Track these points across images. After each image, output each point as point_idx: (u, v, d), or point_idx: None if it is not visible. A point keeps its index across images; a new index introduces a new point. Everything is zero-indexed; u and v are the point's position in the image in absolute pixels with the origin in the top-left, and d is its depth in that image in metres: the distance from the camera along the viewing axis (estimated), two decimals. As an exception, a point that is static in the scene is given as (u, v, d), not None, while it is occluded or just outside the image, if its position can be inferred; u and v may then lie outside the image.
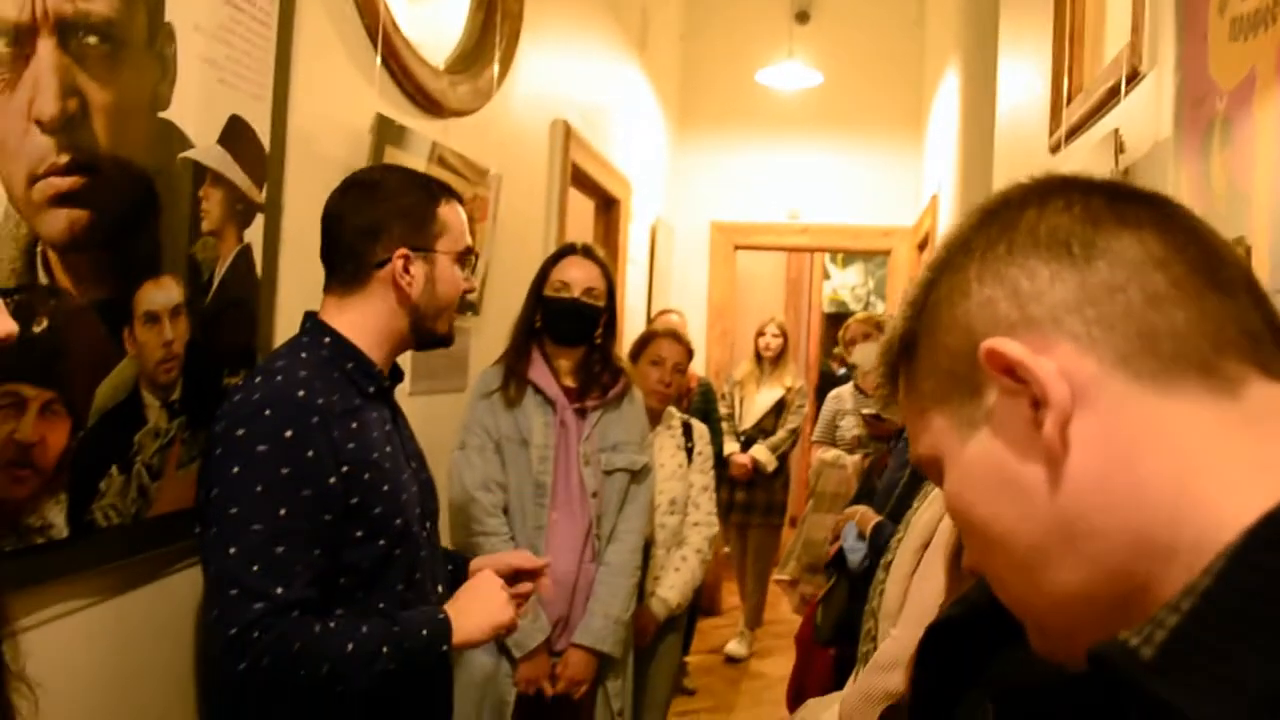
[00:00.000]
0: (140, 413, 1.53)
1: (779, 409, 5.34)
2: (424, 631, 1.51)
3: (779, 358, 5.46)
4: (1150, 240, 0.55)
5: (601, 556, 2.55)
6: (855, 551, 2.53)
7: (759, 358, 5.52)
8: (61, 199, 1.34)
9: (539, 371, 2.54)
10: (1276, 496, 0.47)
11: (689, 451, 3.28)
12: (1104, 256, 0.54)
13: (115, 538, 1.49)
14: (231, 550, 1.40)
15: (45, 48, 1.29)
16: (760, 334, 5.54)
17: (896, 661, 1.59)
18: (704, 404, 4.87)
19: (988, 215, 0.60)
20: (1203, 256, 0.55)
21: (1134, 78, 1.89)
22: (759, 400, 5.36)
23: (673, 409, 3.35)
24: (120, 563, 1.52)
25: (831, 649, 2.74)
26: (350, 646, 1.43)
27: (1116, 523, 0.52)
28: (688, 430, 3.31)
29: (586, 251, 2.62)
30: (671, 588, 3.06)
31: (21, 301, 1.28)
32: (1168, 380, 0.52)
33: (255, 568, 1.40)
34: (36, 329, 1.31)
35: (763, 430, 5.30)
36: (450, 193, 1.69)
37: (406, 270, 1.59)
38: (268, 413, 1.45)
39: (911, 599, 1.71)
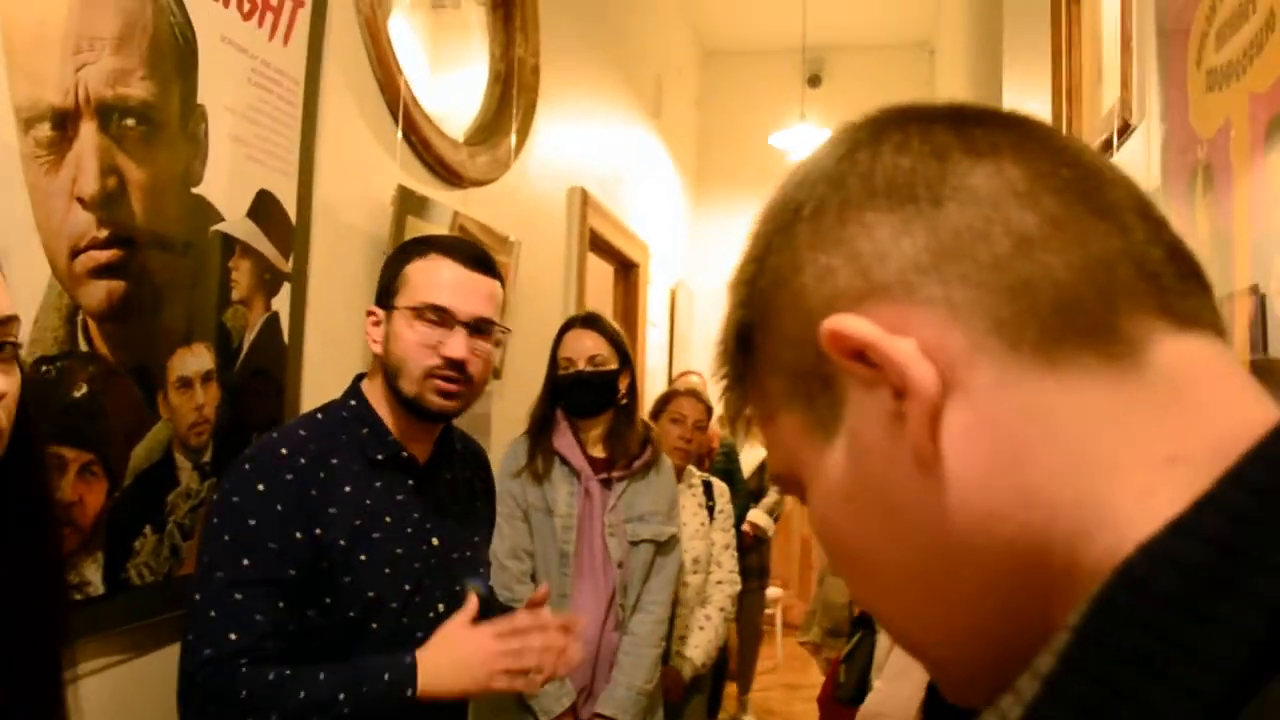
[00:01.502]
0: (173, 474, 1.60)
1: (762, 469, 5.16)
2: (386, 676, 1.44)
3: None
4: (1009, 168, 0.44)
5: (625, 626, 2.57)
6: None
7: None
8: (101, 271, 1.42)
9: (565, 442, 2.58)
10: (1188, 496, 0.36)
11: (710, 510, 3.31)
12: (955, 197, 0.44)
13: (149, 595, 1.55)
14: (196, 597, 1.42)
15: (87, 130, 1.38)
16: None
17: (878, 713, 1.58)
18: (726, 463, 4.88)
19: (810, 168, 0.49)
20: (1077, 179, 0.44)
21: (1125, 130, 1.95)
22: (743, 461, 5.15)
23: (693, 468, 3.39)
24: (153, 619, 1.57)
25: (855, 708, 2.73)
26: (302, 694, 1.39)
27: (1004, 540, 0.41)
28: (708, 489, 3.34)
29: (586, 322, 2.65)
30: (696, 647, 3.07)
31: (64, 368, 1.35)
32: (1053, 351, 0.41)
33: (212, 613, 1.40)
34: (77, 394, 1.38)
35: (749, 492, 5.08)
36: (439, 249, 1.61)
37: (375, 328, 1.60)
38: (247, 467, 1.48)
39: (897, 651, 1.70)
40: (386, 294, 1.60)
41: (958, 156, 0.44)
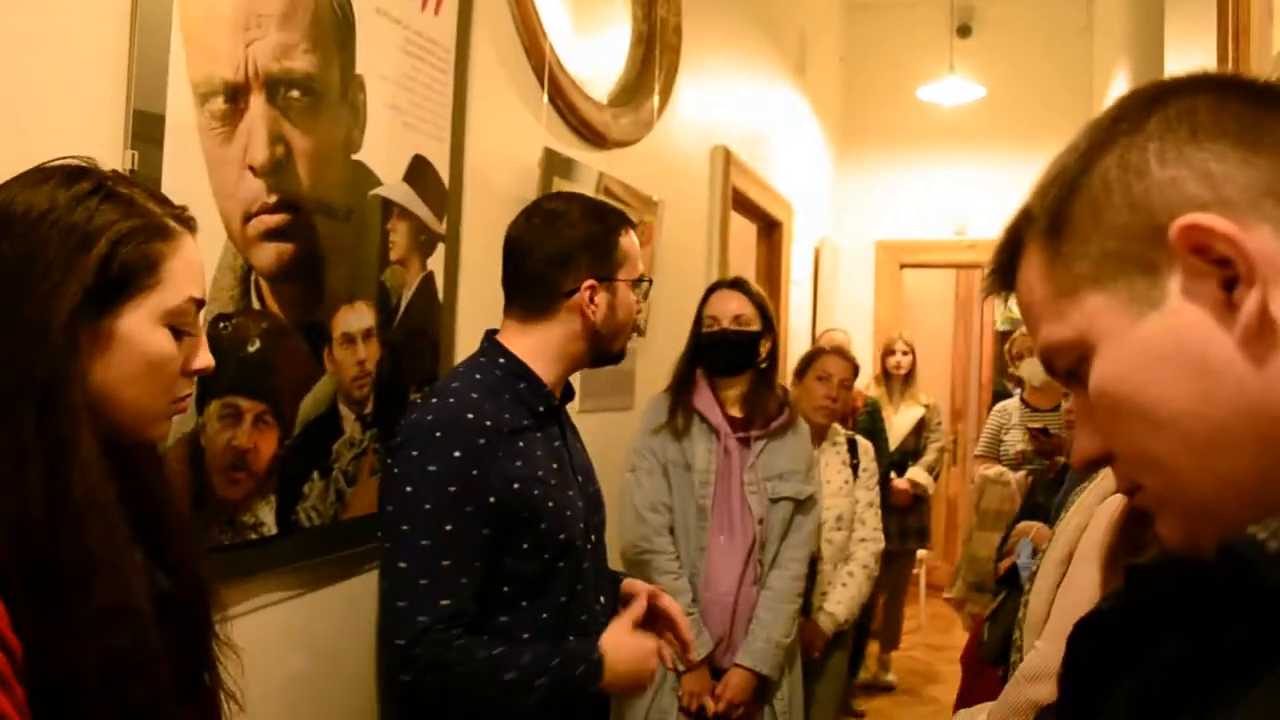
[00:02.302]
0: (338, 424, 1.70)
1: (919, 428, 5.12)
2: (580, 670, 1.54)
3: (909, 375, 5.20)
4: None
5: (764, 581, 2.61)
6: (1029, 568, 2.50)
7: (888, 377, 5.25)
8: (271, 234, 1.52)
9: (704, 400, 2.63)
10: None
11: (854, 468, 3.30)
12: None
13: (317, 536, 1.66)
14: (401, 564, 1.49)
15: (256, 102, 1.47)
16: (889, 352, 5.26)
17: (1041, 673, 1.57)
18: (870, 422, 4.84)
19: (1156, 98, 0.59)
20: None
21: (1297, 74, 1.85)
22: (898, 422, 5.11)
23: (838, 426, 3.38)
24: (320, 559, 1.69)
25: (1000, 668, 2.71)
26: (509, 675, 1.48)
27: None
28: (853, 447, 3.33)
29: (734, 284, 2.71)
30: (839, 603, 3.08)
31: (238, 324, 1.46)
32: None
33: (423, 581, 1.48)
34: (251, 349, 1.49)
35: (906, 452, 5.05)
36: (627, 221, 1.75)
37: (592, 299, 1.66)
38: (438, 434, 1.52)
39: (1057, 610, 1.68)
40: (606, 266, 1.68)
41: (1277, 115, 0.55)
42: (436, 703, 1.52)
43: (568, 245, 1.66)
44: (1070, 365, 0.61)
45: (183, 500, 1.31)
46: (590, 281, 1.65)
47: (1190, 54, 3.03)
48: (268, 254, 1.52)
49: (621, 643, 1.61)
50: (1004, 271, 0.66)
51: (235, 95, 1.43)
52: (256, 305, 1.50)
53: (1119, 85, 4.88)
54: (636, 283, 1.74)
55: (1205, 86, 0.58)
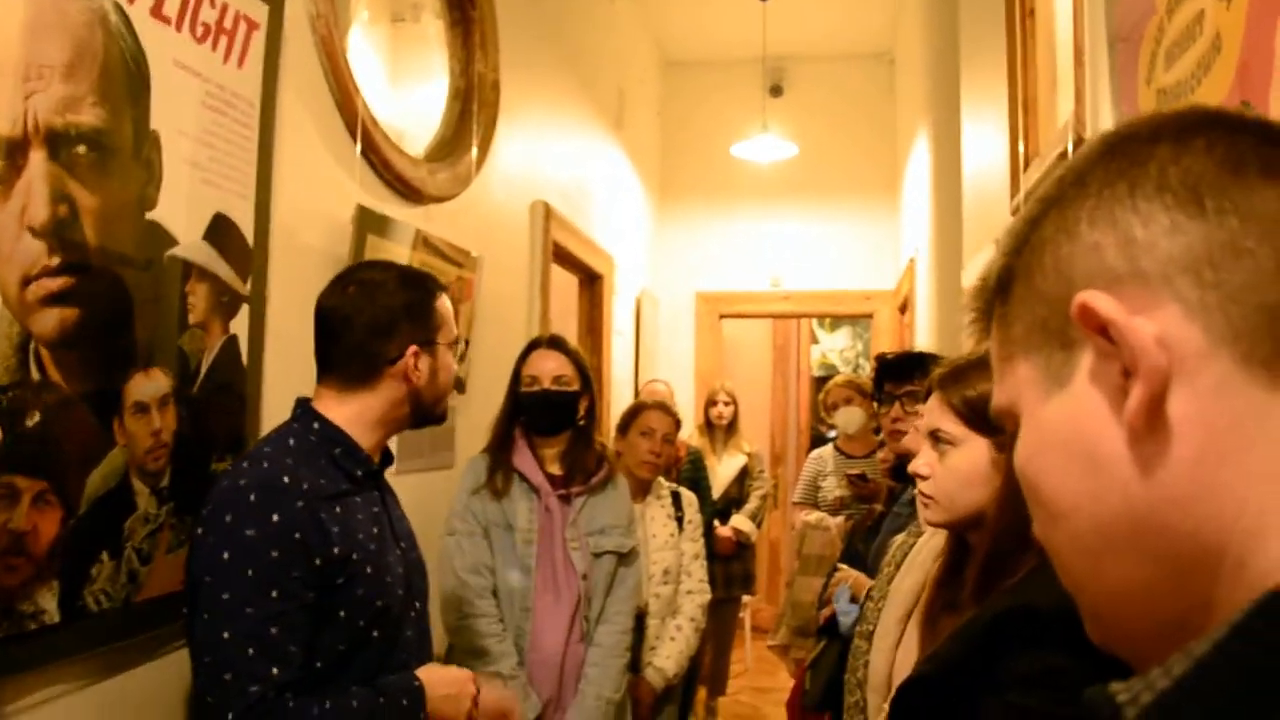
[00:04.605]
0: (130, 499, 1.59)
1: (742, 476, 5.21)
2: (404, 701, 1.56)
3: (731, 424, 5.31)
4: None
5: (591, 637, 2.59)
6: (848, 614, 2.55)
7: (710, 426, 5.34)
8: (53, 298, 1.41)
9: (523, 459, 2.62)
10: None
11: (679, 520, 3.32)
12: (1237, 212, 0.47)
13: (106, 621, 1.54)
14: (225, 635, 1.43)
15: (36, 159, 1.37)
16: (712, 403, 5.34)
17: None
18: (694, 472, 4.89)
19: (1110, 148, 0.52)
20: None
21: (1079, 144, 1.98)
22: (721, 470, 5.19)
23: (661, 479, 3.40)
24: (111, 646, 1.56)
25: (824, 715, 2.75)
26: None
27: (1192, 525, 0.46)
28: (676, 499, 3.36)
29: (552, 343, 2.72)
30: (668, 658, 3.09)
31: (15, 398, 1.35)
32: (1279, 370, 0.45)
33: (250, 650, 1.43)
34: (29, 423, 1.37)
35: (730, 500, 5.12)
36: (440, 286, 1.78)
37: (416, 365, 1.67)
38: (253, 498, 1.48)
39: (899, 670, 1.72)
40: (427, 330, 1.70)
41: (1252, 174, 0.48)
42: None
43: (388, 314, 1.66)
44: (1011, 435, 0.57)
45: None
46: (414, 348, 1.66)
47: (985, 120, 3.23)
48: (49, 320, 1.41)
49: (436, 671, 1.67)
50: (982, 319, 0.61)
51: (13, 151, 1.33)
52: (36, 376, 1.39)
53: (921, 145, 5.16)
54: (455, 344, 1.76)
55: (1173, 133, 0.50)
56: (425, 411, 1.74)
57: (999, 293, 0.57)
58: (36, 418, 1.39)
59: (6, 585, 1.34)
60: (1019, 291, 0.55)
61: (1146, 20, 1.53)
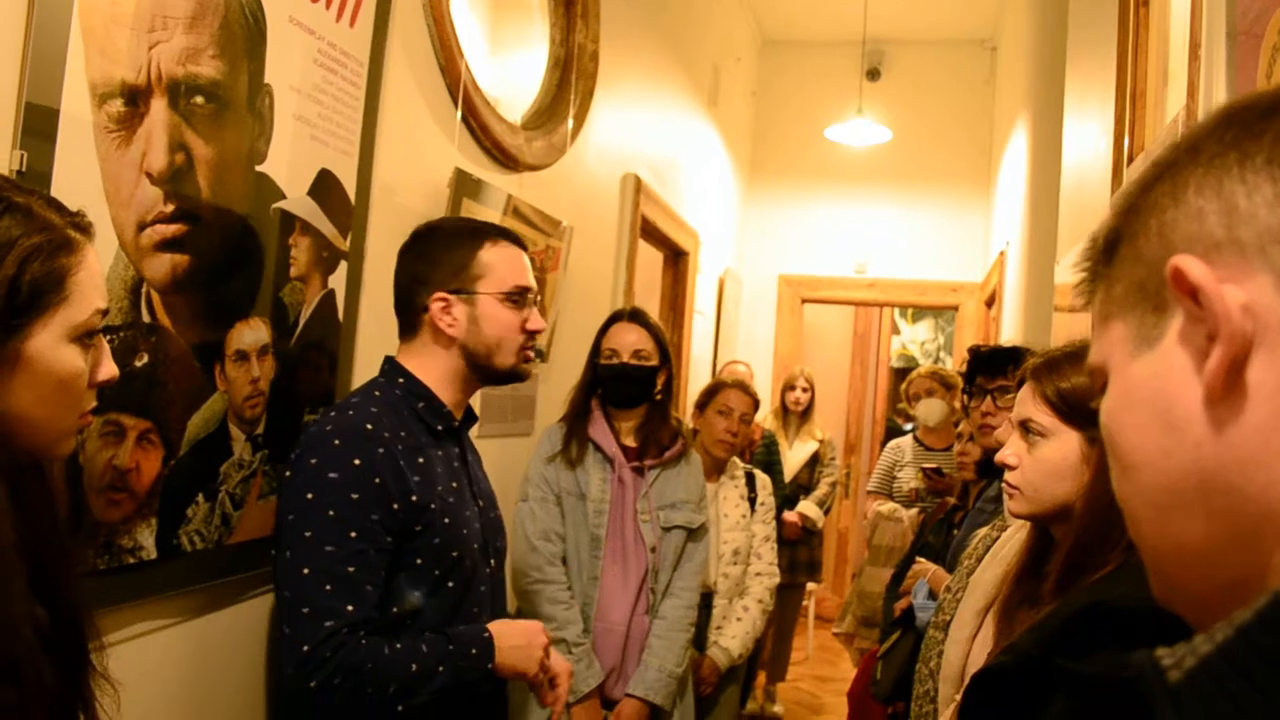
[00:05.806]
0: (227, 445, 1.63)
1: (813, 463, 5.19)
2: (473, 650, 1.59)
3: (807, 411, 5.30)
4: None
5: (656, 610, 2.61)
6: (925, 610, 2.52)
7: (786, 411, 5.32)
8: (166, 244, 1.45)
9: (599, 430, 2.63)
10: None
11: (751, 502, 3.32)
12: None
13: (199, 561, 1.59)
14: (305, 571, 1.49)
15: (157, 107, 1.41)
16: (790, 387, 5.33)
17: None
18: (767, 455, 4.88)
19: (1228, 118, 0.51)
20: None
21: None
22: (792, 456, 5.19)
23: (737, 459, 3.39)
24: (202, 585, 1.61)
25: (890, 706, 2.73)
26: (414, 666, 1.51)
27: (1257, 489, 0.47)
28: (750, 480, 3.35)
29: (633, 316, 2.72)
30: (734, 637, 3.10)
31: (125, 338, 1.39)
32: None
33: (328, 587, 1.48)
34: (138, 363, 1.42)
35: (800, 486, 5.12)
36: (500, 235, 1.76)
37: (448, 313, 1.68)
38: (337, 443, 1.54)
39: (974, 663, 1.70)
40: (462, 280, 1.68)
41: None
42: (344, 704, 1.51)
43: (422, 264, 1.70)
44: (1101, 390, 0.57)
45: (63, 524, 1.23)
46: (439, 295, 1.68)
47: (1088, 113, 3.14)
48: (161, 265, 1.45)
49: (507, 624, 1.68)
50: (1088, 283, 0.61)
51: (135, 98, 1.37)
52: (146, 318, 1.43)
53: (1019, 137, 5.04)
54: (513, 295, 1.71)
55: None
56: (482, 364, 1.71)
57: (1106, 253, 0.57)
58: (145, 359, 1.43)
59: (109, 519, 1.39)
60: (1124, 252, 0.55)
61: (1269, 14, 1.47)
